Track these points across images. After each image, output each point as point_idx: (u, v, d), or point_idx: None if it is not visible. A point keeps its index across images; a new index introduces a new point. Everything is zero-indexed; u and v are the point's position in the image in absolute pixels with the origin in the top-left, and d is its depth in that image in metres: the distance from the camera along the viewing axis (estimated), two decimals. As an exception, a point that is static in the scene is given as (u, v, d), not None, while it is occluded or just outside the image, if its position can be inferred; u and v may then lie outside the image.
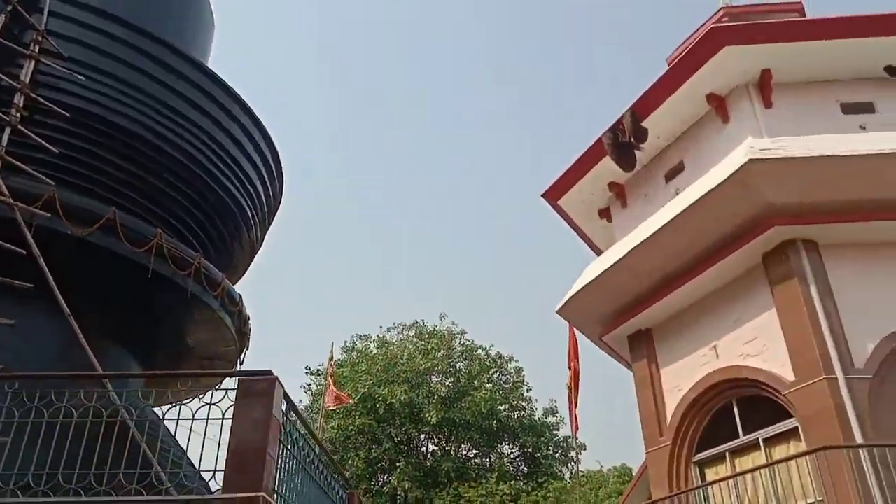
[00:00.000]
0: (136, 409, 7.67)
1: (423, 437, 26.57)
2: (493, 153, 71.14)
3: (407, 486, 23.53)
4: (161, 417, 6.62)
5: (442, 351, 27.30)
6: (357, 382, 24.81)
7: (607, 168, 13.45)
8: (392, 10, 71.97)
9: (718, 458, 10.85)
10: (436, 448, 26.78)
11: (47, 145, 11.05)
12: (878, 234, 10.07)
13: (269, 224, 16.59)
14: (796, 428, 9.61)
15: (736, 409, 10.77)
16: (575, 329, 15.15)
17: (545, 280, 59.91)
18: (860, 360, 9.34)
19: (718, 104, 12.03)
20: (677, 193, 11.99)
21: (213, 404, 5.78)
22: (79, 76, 11.79)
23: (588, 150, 13.44)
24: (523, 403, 27.00)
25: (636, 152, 12.91)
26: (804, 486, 8.73)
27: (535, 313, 58.61)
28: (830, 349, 9.35)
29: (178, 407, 6.25)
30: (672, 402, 11.64)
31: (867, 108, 11.58)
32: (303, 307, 64.72)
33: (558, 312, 13.60)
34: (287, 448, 6.21)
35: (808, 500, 8.79)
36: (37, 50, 11.55)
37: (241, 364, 15.28)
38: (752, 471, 9.54)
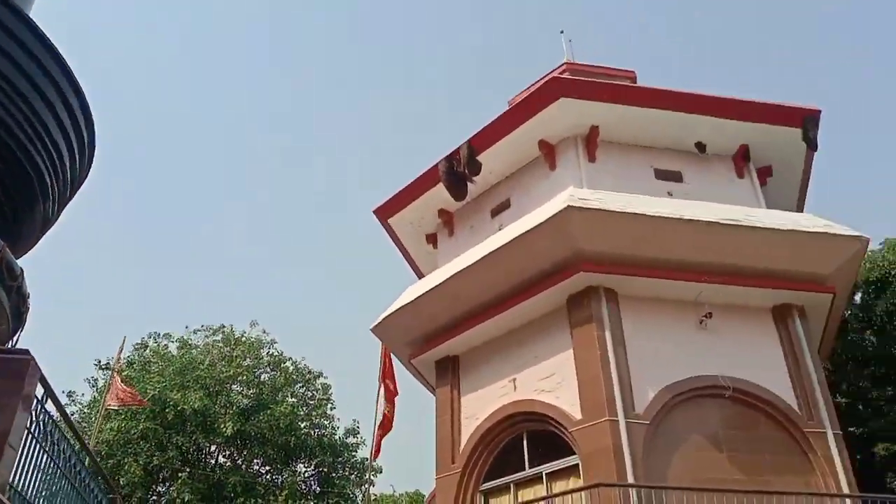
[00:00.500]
0: None
1: (213, 448, 25.10)
2: (330, 165, 70.45)
3: (187, 498, 22.00)
4: None
5: (248, 360, 26.09)
6: (147, 384, 23.00)
7: (439, 195, 13.64)
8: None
9: (503, 489, 11.11)
10: (226, 461, 25.39)
11: None
12: (667, 291, 10.93)
13: (70, 198, 14.99)
14: (578, 465, 10.07)
15: (525, 442, 11.12)
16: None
17: (371, 298, 59.62)
18: (641, 406, 10.01)
19: (548, 151, 12.63)
20: (500, 229, 12.37)
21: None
22: None
23: (423, 175, 13.56)
24: (325, 422, 26.38)
25: (468, 184, 13.19)
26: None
27: (355, 330, 57.96)
28: (616, 393, 9.92)
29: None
30: (468, 430, 11.81)
31: (676, 177, 12.68)
32: (110, 298, 59.67)
33: (373, 331, 13.47)
34: (38, 441, 5.46)
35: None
36: None
37: (13, 345, 13.56)
38: (530, 503, 9.85)
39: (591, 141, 12.51)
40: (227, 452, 25.44)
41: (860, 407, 14.75)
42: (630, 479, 9.14)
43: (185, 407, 22.69)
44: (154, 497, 23.11)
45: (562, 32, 16.33)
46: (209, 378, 24.32)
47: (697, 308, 10.88)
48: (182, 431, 23.57)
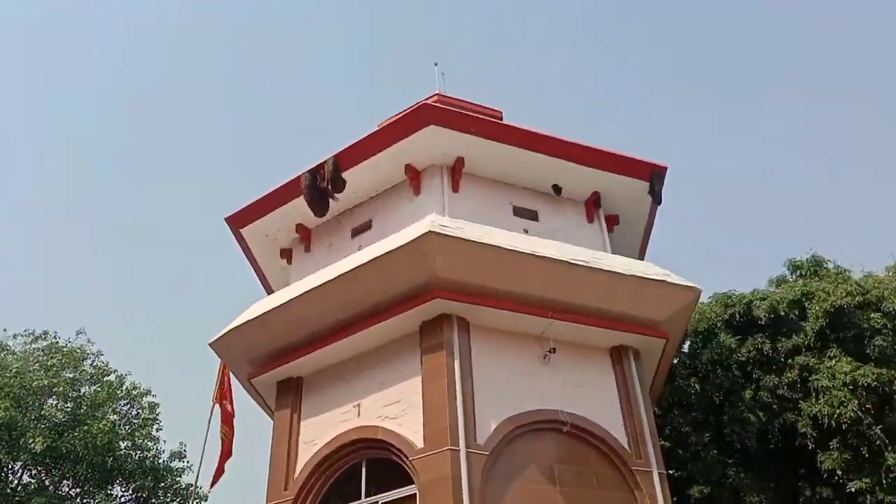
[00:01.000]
0: None
1: (18, 465, 22.56)
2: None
3: (-21, 523, 19.56)
4: None
5: (68, 371, 23.86)
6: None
7: (298, 209, 13.24)
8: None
9: (337, 518, 10.72)
10: (32, 480, 22.88)
11: None
12: (517, 324, 11.14)
13: None
14: (415, 494, 9.90)
15: (364, 470, 10.83)
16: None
17: (215, 314, 56.40)
18: (483, 436, 10.04)
19: (414, 176, 12.64)
20: (360, 249, 12.15)
21: None
22: None
23: (283, 186, 13.12)
24: (150, 443, 24.55)
25: (331, 200, 12.89)
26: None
27: (193, 346, 54.44)
28: (459, 423, 9.89)
29: None
30: (305, 455, 11.33)
31: (533, 215, 13.10)
32: None
33: (212, 346, 12.71)
34: None
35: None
36: None
37: None
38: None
39: (456, 171, 12.67)
40: (34, 471, 22.99)
41: (680, 451, 15.71)
42: (466, 509, 9.09)
43: (-15, 418, 20.31)
44: (-64, 520, 20.36)
45: (435, 65, 16.54)
46: (19, 387, 21.97)
47: (543, 343, 11.17)
48: (-19, 446, 21.06)
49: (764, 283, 17.52)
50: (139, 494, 24.11)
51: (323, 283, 11.24)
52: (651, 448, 11.03)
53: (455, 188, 12.61)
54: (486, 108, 15.26)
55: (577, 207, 13.68)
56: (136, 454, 24.14)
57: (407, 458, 10.09)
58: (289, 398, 12.06)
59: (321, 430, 11.37)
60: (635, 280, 11.65)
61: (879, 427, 13.49)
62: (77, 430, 22.00)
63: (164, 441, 25.59)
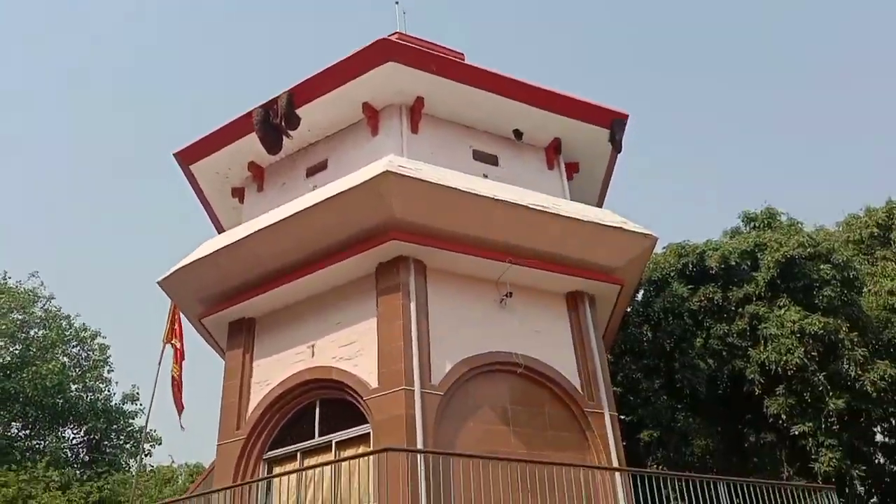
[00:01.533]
0: None
1: (-36, 408, 22.08)
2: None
3: (-78, 465, 19.13)
4: None
5: (16, 313, 23.26)
6: None
7: (251, 146, 12.83)
8: None
9: (290, 458, 10.68)
10: (-22, 421, 22.47)
11: None
12: (474, 267, 11.05)
13: None
14: (369, 434, 9.90)
15: (318, 410, 10.77)
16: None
17: (162, 252, 55.20)
18: (438, 377, 10.04)
19: (371, 115, 12.31)
20: (314, 189, 11.85)
21: None
22: None
23: (235, 121, 12.67)
24: (101, 385, 24.22)
25: (284, 138, 12.50)
26: (366, 487, 8.94)
27: (143, 286, 53.39)
28: (414, 364, 9.86)
29: None
30: (258, 396, 11.20)
31: (493, 160, 12.92)
32: None
33: (160, 284, 12.38)
34: None
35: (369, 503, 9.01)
36: None
37: None
38: (314, 467, 9.55)
39: (415, 112, 12.36)
40: (-20, 412, 22.55)
41: (631, 397, 16.01)
42: (420, 447, 9.12)
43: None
44: None
45: (396, 3, 16.02)
46: (-34, 329, 21.38)
47: (500, 287, 11.14)
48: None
49: (719, 235, 17.77)
50: (91, 437, 23.90)
51: (276, 222, 10.96)
52: (603, 391, 11.19)
53: (414, 129, 12.33)
54: (447, 48, 14.87)
55: (537, 153, 13.53)
56: (87, 396, 23.85)
57: (361, 398, 10.05)
58: (240, 338, 11.87)
59: (274, 370, 11.24)
60: (593, 226, 11.63)
61: (823, 374, 13.90)
62: (25, 370, 21.56)
63: (117, 383, 25.31)
